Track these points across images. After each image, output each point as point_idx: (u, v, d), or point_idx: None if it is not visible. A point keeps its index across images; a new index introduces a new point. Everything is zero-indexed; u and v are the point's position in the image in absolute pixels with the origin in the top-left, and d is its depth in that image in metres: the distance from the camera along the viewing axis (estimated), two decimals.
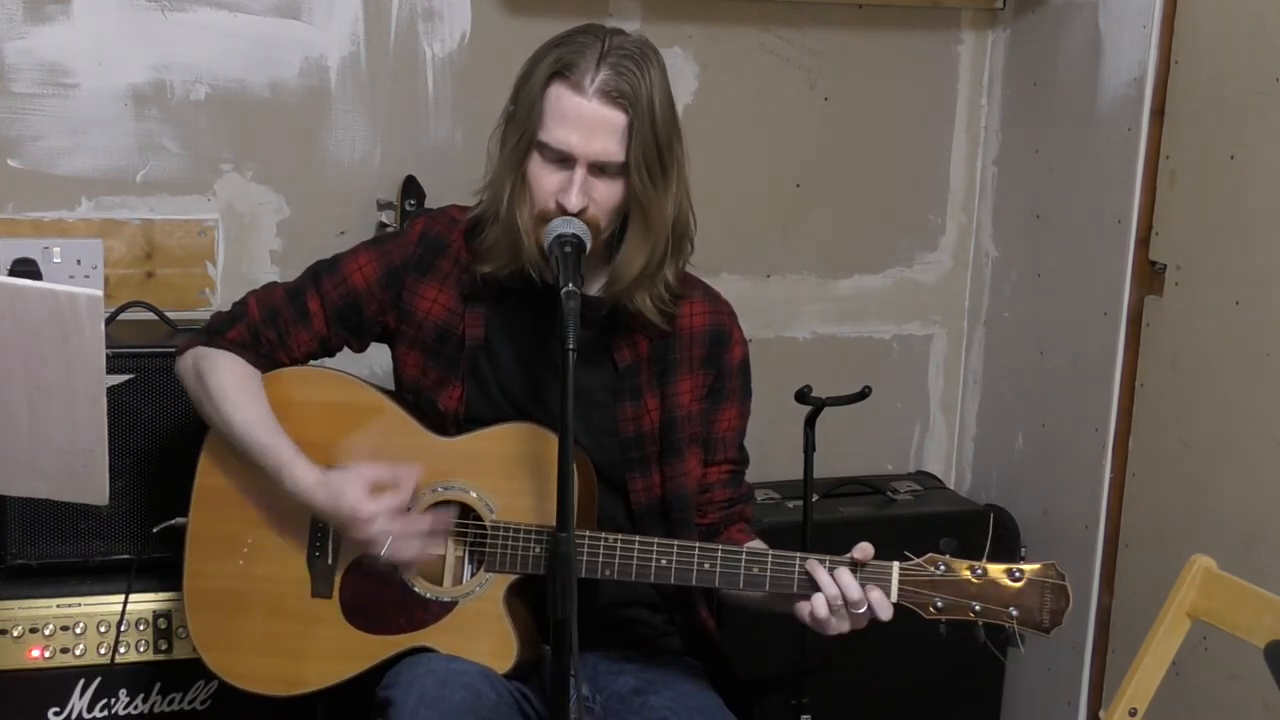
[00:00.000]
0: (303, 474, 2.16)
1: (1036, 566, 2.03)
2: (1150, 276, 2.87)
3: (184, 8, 2.81)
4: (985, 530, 3.12)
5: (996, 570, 2.03)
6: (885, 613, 2.03)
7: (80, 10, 2.75)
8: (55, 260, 2.77)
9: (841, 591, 2.02)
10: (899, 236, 3.36)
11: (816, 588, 2.04)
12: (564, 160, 2.09)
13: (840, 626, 2.05)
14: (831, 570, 2.04)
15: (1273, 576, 2.41)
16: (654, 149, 2.10)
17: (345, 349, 2.33)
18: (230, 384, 2.23)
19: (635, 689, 2.22)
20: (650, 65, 2.10)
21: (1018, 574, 2.02)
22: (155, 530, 2.44)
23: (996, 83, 3.30)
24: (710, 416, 2.29)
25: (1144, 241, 2.87)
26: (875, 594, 2.03)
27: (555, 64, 2.08)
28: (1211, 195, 2.72)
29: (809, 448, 2.66)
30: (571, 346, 1.93)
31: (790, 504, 3.06)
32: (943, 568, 2.03)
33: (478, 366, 2.24)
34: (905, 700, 3.13)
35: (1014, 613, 2.02)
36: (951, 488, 3.41)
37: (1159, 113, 2.83)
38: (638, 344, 2.24)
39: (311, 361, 2.32)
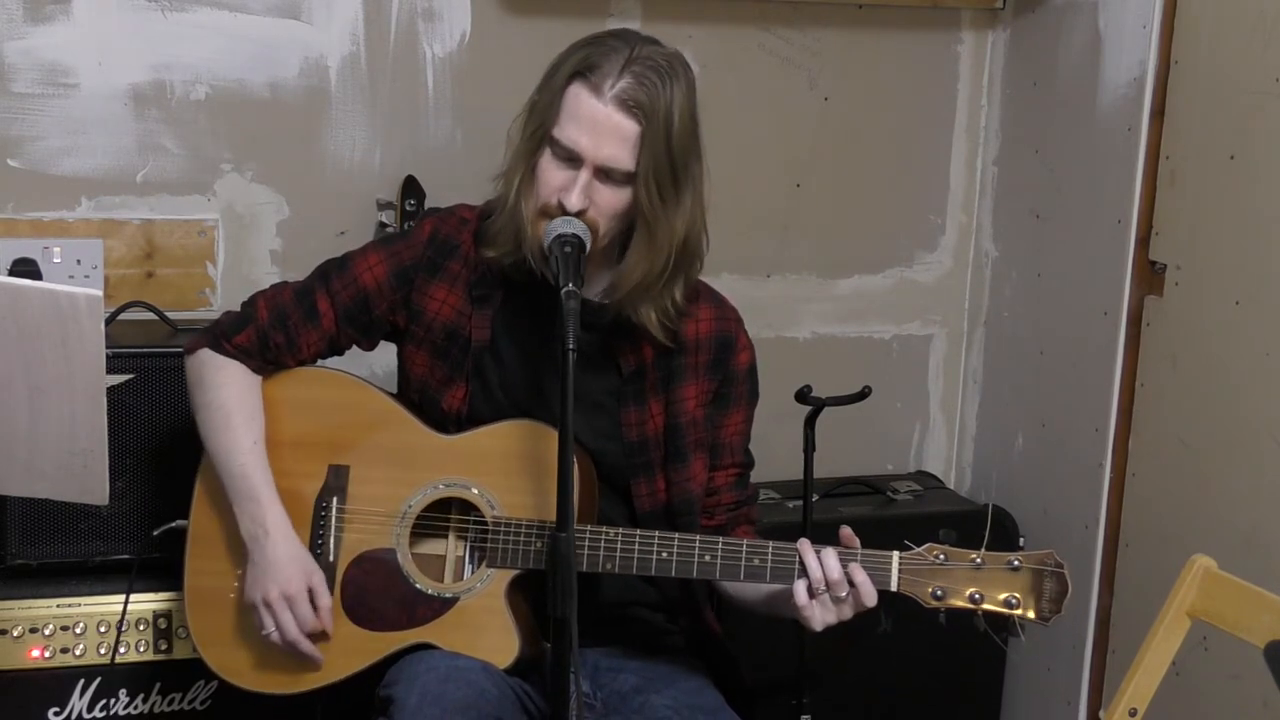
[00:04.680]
0: (278, 518, 2.20)
1: (1035, 555, 2.04)
2: (1150, 276, 2.87)
3: (184, 8, 2.81)
4: (985, 530, 3.12)
5: (995, 559, 2.03)
6: (870, 599, 2.04)
7: (80, 10, 2.75)
8: (55, 260, 2.77)
9: (825, 574, 2.03)
10: (899, 236, 3.36)
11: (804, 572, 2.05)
12: (572, 159, 2.08)
13: (825, 617, 2.05)
14: (818, 552, 2.04)
15: (1273, 576, 2.41)
16: (666, 164, 2.08)
17: (354, 348, 2.33)
18: (228, 403, 2.24)
19: (636, 687, 2.23)
20: (675, 81, 2.08)
21: (1016, 563, 2.03)
22: (156, 534, 2.44)
23: (996, 83, 3.30)
24: (717, 422, 2.29)
25: (1144, 241, 2.87)
26: (860, 576, 2.03)
27: (580, 63, 2.08)
28: (1211, 195, 2.72)
29: (809, 447, 2.66)
30: (571, 346, 1.93)
31: (790, 504, 3.06)
32: (942, 557, 2.04)
33: (482, 367, 2.24)
34: (905, 701, 3.12)
35: (1014, 601, 2.02)
36: (951, 488, 3.40)
37: (1159, 113, 2.83)
38: (642, 349, 2.24)
39: (319, 361, 2.32)
